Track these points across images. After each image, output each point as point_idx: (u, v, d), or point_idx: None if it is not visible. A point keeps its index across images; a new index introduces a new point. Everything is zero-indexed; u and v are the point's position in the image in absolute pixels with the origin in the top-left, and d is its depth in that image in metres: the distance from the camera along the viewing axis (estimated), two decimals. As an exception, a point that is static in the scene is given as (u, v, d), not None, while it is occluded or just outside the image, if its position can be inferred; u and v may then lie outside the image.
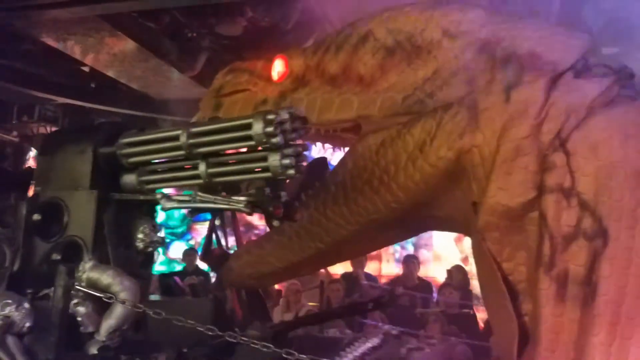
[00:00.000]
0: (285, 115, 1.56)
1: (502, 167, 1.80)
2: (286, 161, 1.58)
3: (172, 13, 6.90)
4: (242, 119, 1.61)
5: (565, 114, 1.78)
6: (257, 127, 1.56)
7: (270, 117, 1.54)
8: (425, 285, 8.40)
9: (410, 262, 8.49)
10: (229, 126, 1.70)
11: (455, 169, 1.88)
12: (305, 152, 1.66)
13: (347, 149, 2.19)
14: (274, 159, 1.58)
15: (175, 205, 1.82)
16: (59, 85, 9.04)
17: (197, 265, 9.21)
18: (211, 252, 2.61)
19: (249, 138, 1.59)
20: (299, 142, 1.64)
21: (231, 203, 1.72)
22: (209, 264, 2.62)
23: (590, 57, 1.90)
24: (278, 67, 2.23)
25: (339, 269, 8.75)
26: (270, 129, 1.55)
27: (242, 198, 1.70)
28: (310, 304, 7.25)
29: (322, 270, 7.05)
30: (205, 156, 1.75)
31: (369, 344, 3.39)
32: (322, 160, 2.35)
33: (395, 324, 7.05)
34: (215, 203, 1.77)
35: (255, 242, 2.28)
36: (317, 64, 2.14)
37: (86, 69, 8.71)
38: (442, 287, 8.03)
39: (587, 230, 1.68)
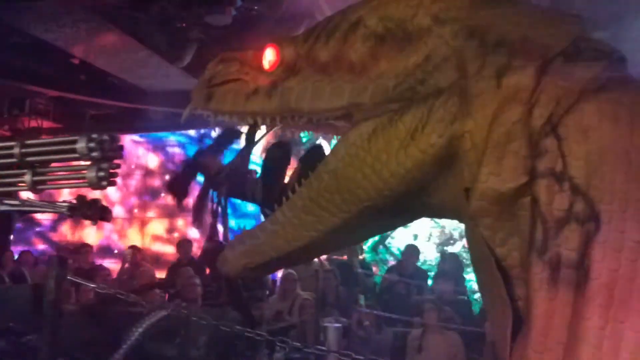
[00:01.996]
0: (106, 137, 1.86)
1: (493, 153, 1.80)
2: (101, 174, 1.85)
3: (161, 3, 6.86)
4: (70, 136, 1.91)
5: (556, 98, 1.78)
6: (82, 143, 1.84)
7: (94, 136, 1.85)
8: (420, 273, 8.46)
9: (410, 251, 8.56)
10: (58, 141, 1.98)
11: (447, 155, 1.88)
12: (118, 170, 1.92)
13: (339, 137, 2.19)
14: (91, 172, 1.86)
15: (5, 208, 2.05)
16: (49, 78, 9.01)
17: (192, 256, 9.24)
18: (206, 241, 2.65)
19: (74, 151, 1.88)
20: (115, 161, 1.93)
21: (56, 207, 1.96)
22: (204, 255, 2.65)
23: (581, 42, 1.90)
24: (269, 56, 2.22)
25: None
26: (92, 144, 1.83)
27: (64, 203, 1.94)
28: (305, 293, 7.28)
29: (316, 260, 7.07)
30: (33, 166, 2.01)
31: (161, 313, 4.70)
32: (318, 148, 2.35)
33: (391, 312, 7.11)
34: (41, 207, 2.07)
35: (250, 232, 2.28)
36: (308, 52, 2.13)
37: (76, 61, 8.70)
38: (437, 275, 8.09)
39: (579, 214, 1.69)
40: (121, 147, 1.94)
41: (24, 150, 1.99)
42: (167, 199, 13.68)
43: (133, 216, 14.26)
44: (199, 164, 2.65)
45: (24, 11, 6.60)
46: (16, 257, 10.07)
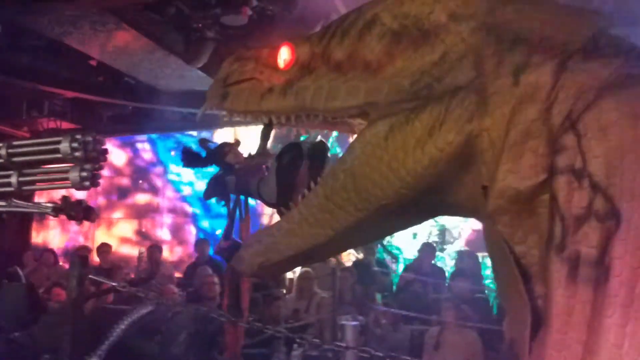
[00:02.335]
0: (89, 138, 1.85)
1: (512, 151, 1.79)
2: (84, 174, 1.84)
3: (177, 4, 6.90)
4: (54, 137, 1.91)
5: (575, 95, 1.77)
6: (65, 144, 1.83)
7: (77, 136, 1.83)
8: (437, 271, 8.44)
9: (426, 249, 8.54)
10: (43, 142, 2.00)
11: (465, 153, 1.88)
12: (101, 171, 1.92)
13: (354, 136, 2.19)
14: (74, 173, 1.84)
15: None
16: (66, 80, 9.10)
17: (210, 255, 9.28)
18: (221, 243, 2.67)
19: (57, 151, 1.87)
20: (97, 163, 1.94)
21: (41, 208, 2.02)
22: (221, 255, 2.67)
23: (600, 38, 1.88)
24: (284, 55, 2.22)
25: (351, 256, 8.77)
26: (75, 145, 1.82)
27: (49, 204, 1.97)
28: (322, 292, 7.29)
29: (333, 259, 7.08)
30: (19, 167, 2.04)
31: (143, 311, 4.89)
32: (321, 145, 2.36)
33: (408, 310, 7.09)
34: (27, 208, 2.10)
35: (265, 230, 2.29)
36: (323, 51, 2.13)
37: (93, 62, 8.77)
38: (454, 273, 8.06)
39: (599, 212, 1.67)
40: (105, 150, 1.96)
41: (10, 151, 2.02)
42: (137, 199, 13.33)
43: (100, 217, 13.26)
44: (220, 153, 2.70)
45: (41, 13, 6.68)
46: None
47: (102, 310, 7.12)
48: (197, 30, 7.55)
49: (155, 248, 10.14)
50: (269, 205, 2.47)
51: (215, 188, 2.76)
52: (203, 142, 2.94)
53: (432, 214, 2.36)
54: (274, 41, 2.31)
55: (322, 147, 2.34)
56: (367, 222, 2.09)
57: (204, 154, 2.91)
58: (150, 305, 5.16)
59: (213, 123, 10.00)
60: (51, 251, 10.69)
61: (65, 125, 10.87)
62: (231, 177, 2.65)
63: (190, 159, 2.89)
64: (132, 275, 9.61)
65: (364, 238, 2.56)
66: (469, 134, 1.85)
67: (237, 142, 2.87)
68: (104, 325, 5.05)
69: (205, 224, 12.94)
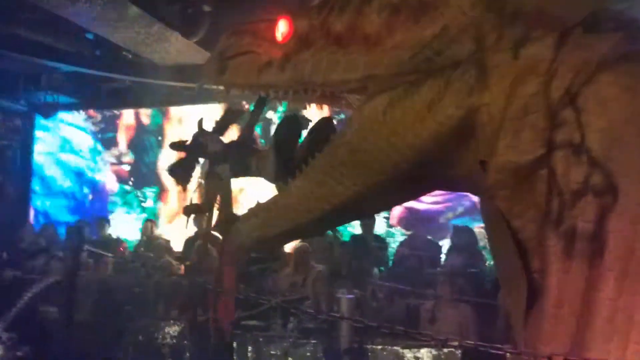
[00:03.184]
0: None
1: (511, 125, 1.79)
2: None
3: (175, -24, 6.80)
4: None
5: (574, 70, 1.77)
6: None
7: None
8: (433, 246, 8.48)
9: (419, 223, 8.56)
10: None
11: (464, 127, 1.87)
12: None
13: (353, 111, 2.18)
14: None
15: None
16: (64, 53, 9.03)
17: (208, 229, 9.28)
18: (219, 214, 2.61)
19: None
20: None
21: None
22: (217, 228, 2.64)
23: (600, 13, 1.87)
24: (282, 28, 2.20)
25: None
26: None
27: None
28: (319, 265, 7.33)
29: (330, 232, 7.10)
30: None
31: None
32: (328, 121, 2.34)
33: (404, 284, 7.15)
34: None
35: (263, 205, 2.29)
36: (322, 24, 2.12)
37: (90, 36, 8.69)
38: (450, 248, 8.11)
39: (597, 186, 1.68)
40: None
41: None
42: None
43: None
44: (200, 146, 2.60)
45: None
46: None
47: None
48: (194, 3, 7.48)
49: (151, 222, 10.17)
50: (270, 181, 2.45)
51: (187, 172, 2.68)
52: (174, 145, 2.80)
53: (430, 189, 2.36)
54: (272, 14, 2.29)
55: (327, 123, 2.31)
56: (365, 196, 2.10)
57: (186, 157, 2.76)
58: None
59: (210, 97, 9.96)
60: (52, 224, 10.67)
61: (63, 99, 10.81)
62: (223, 165, 2.58)
63: (181, 172, 2.76)
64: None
65: (361, 212, 2.57)
66: (468, 108, 1.85)
67: (201, 123, 2.74)
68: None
69: (38, 203, 12.48)
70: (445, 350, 5.76)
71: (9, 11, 7.62)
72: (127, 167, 13.48)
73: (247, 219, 2.31)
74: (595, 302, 1.67)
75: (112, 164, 13.50)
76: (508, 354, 2.04)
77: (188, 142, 2.63)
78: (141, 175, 13.26)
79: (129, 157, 13.45)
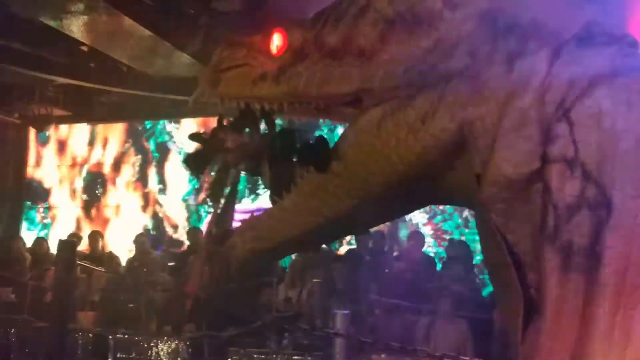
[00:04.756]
0: None
1: (505, 139, 1.79)
2: None
3: (169, -10, 6.82)
4: None
5: (568, 83, 1.77)
6: None
7: None
8: (428, 260, 8.45)
9: (416, 237, 8.54)
10: None
11: (458, 140, 1.87)
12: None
13: (347, 124, 2.17)
14: None
15: None
16: (58, 66, 9.03)
17: (201, 244, 9.24)
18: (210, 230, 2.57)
19: None
20: None
21: None
22: (213, 242, 2.60)
23: (593, 26, 1.88)
24: (276, 41, 2.20)
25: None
26: None
27: None
28: (314, 280, 7.30)
29: (325, 247, 7.08)
30: None
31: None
32: (321, 140, 2.31)
33: (399, 299, 7.12)
34: None
35: (258, 217, 2.28)
36: (316, 37, 2.12)
37: (85, 48, 8.70)
38: (445, 262, 8.08)
39: (591, 200, 1.67)
40: None
41: None
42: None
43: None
44: (218, 141, 2.57)
45: (32, -1, 6.62)
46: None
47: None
48: (188, 16, 7.51)
49: (144, 236, 10.10)
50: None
51: (201, 164, 2.65)
52: (193, 136, 2.80)
53: (424, 203, 2.35)
54: (266, 27, 2.29)
55: (321, 142, 2.28)
56: (358, 209, 2.08)
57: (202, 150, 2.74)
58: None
59: (204, 110, 9.95)
60: (44, 239, 10.59)
61: (57, 111, 10.78)
62: (234, 169, 2.54)
63: (196, 163, 2.73)
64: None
65: (355, 226, 2.56)
66: (462, 121, 1.84)
67: (221, 118, 2.71)
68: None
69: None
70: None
71: (3, 24, 7.62)
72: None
73: (242, 232, 2.29)
74: (593, 316, 1.66)
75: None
76: (504, 369, 2.02)
77: (207, 135, 2.60)
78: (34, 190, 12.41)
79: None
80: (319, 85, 2.05)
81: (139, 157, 11.74)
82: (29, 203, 12.18)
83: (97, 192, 11.98)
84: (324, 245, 6.36)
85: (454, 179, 1.97)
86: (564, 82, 1.77)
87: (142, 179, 11.70)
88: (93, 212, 11.93)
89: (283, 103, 2.16)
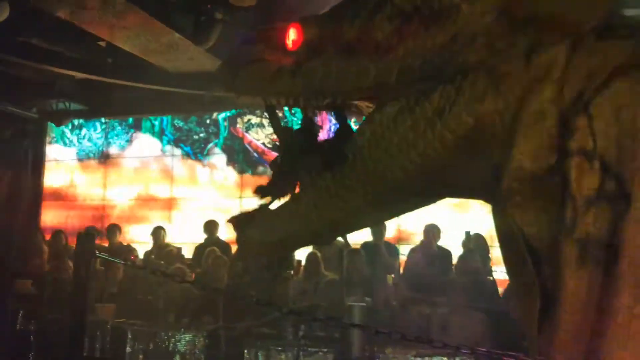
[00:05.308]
0: None
1: (524, 132, 1.79)
2: None
3: (186, -15, 6.85)
4: None
5: (587, 77, 1.76)
6: None
7: None
8: (444, 253, 8.44)
9: (431, 230, 8.52)
10: None
11: (475, 134, 1.87)
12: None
13: (364, 118, 2.18)
14: None
15: None
16: (76, 61, 9.11)
17: (217, 236, 9.32)
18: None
19: None
20: None
21: None
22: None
23: (613, 19, 1.87)
24: (292, 36, 2.20)
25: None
26: None
27: None
28: (330, 273, 7.32)
29: (341, 239, 7.10)
30: None
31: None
32: (344, 132, 2.27)
33: (416, 292, 7.12)
34: None
35: (274, 211, 2.29)
36: (333, 32, 2.12)
37: (102, 44, 8.77)
38: (462, 255, 8.06)
39: (610, 193, 1.67)
40: None
41: None
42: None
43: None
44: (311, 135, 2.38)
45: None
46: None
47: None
48: (205, 11, 7.53)
49: (161, 229, 10.16)
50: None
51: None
52: (274, 164, 2.38)
53: (440, 196, 2.35)
54: (282, 22, 2.30)
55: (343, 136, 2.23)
56: (374, 204, 2.09)
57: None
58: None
59: (221, 105, 9.97)
60: (62, 232, 10.71)
61: (74, 106, 10.89)
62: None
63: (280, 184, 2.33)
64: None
65: (370, 220, 2.57)
66: (480, 115, 1.84)
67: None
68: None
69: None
70: (458, 358, 5.72)
71: (22, 19, 7.70)
72: None
73: (256, 222, 2.30)
74: (610, 309, 1.66)
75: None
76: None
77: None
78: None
79: None
80: (335, 80, 2.05)
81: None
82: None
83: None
84: (339, 238, 6.37)
85: (472, 173, 1.97)
86: (583, 75, 1.76)
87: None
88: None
89: (299, 98, 2.17)
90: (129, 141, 12.38)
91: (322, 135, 2.41)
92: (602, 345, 1.66)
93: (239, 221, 2.34)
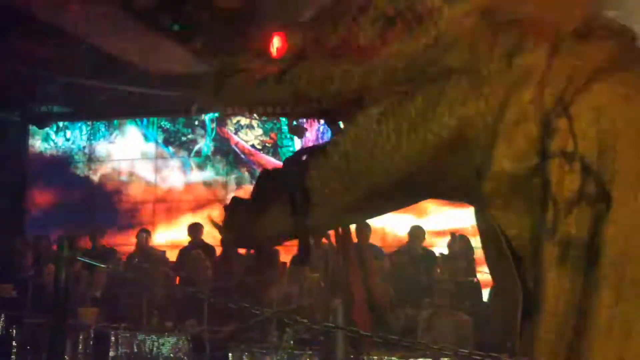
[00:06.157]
0: None
1: (505, 134, 1.80)
2: None
3: (170, -14, 6.84)
4: None
5: (567, 78, 1.77)
6: None
7: None
8: (428, 254, 8.48)
9: (416, 232, 8.56)
10: None
11: (458, 136, 1.88)
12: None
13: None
14: None
15: None
16: (59, 63, 9.04)
17: (202, 239, 9.29)
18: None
19: None
20: None
21: None
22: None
23: (593, 21, 1.89)
24: (276, 43, 2.20)
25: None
26: None
27: None
28: (314, 275, 7.33)
29: (325, 241, 7.09)
30: None
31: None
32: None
33: (400, 293, 7.15)
34: None
35: (257, 205, 2.27)
36: (316, 37, 2.12)
37: (84, 45, 8.71)
38: (446, 256, 8.11)
39: (590, 194, 1.69)
40: None
41: None
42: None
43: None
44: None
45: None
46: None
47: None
48: (190, 13, 7.51)
49: (146, 232, 10.12)
50: None
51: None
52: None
53: (422, 197, 2.36)
54: (267, 25, 2.29)
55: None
56: (356, 204, 2.09)
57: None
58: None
59: (204, 108, 9.93)
60: (46, 237, 10.61)
61: (57, 109, 10.80)
62: None
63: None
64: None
65: (351, 220, 2.57)
66: (462, 117, 1.85)
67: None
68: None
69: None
70: None
71: (4, 21, 7.63)
72: None
73: (241, 215, 2.27)
74: (592, 310, 1.67)
75: None
76: (504, 363, 2.04)
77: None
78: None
79: None
80: (320, 85, 2.05)
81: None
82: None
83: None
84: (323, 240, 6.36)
85: (455, 174, 1.98)
86: (563, 76, 1.78)
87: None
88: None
89: (285, 106, 2.17)
90: (112, 142, 12.33)
91: (310, 139, 2.40)
92: (584, 346, 1.67)
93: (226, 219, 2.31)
